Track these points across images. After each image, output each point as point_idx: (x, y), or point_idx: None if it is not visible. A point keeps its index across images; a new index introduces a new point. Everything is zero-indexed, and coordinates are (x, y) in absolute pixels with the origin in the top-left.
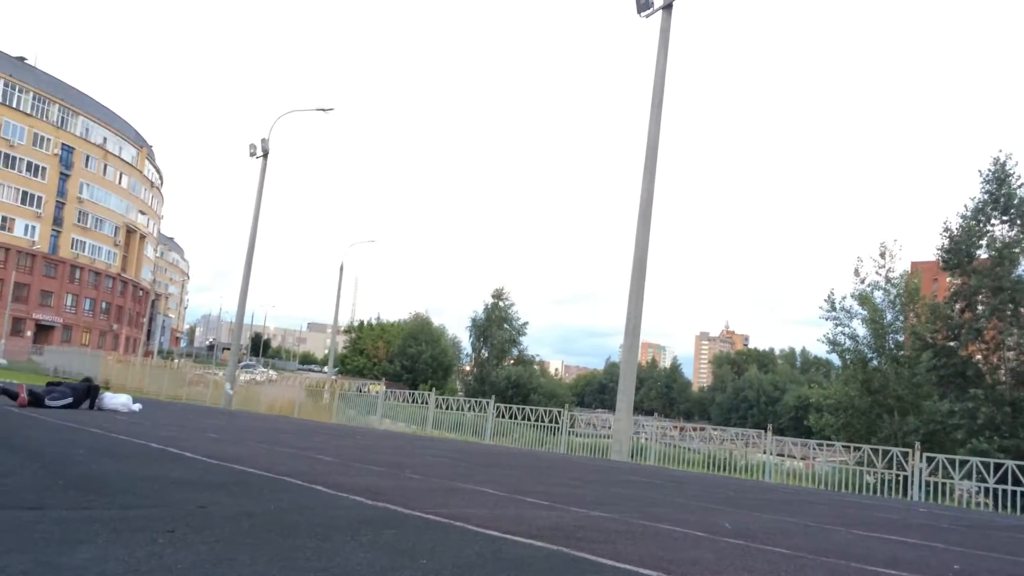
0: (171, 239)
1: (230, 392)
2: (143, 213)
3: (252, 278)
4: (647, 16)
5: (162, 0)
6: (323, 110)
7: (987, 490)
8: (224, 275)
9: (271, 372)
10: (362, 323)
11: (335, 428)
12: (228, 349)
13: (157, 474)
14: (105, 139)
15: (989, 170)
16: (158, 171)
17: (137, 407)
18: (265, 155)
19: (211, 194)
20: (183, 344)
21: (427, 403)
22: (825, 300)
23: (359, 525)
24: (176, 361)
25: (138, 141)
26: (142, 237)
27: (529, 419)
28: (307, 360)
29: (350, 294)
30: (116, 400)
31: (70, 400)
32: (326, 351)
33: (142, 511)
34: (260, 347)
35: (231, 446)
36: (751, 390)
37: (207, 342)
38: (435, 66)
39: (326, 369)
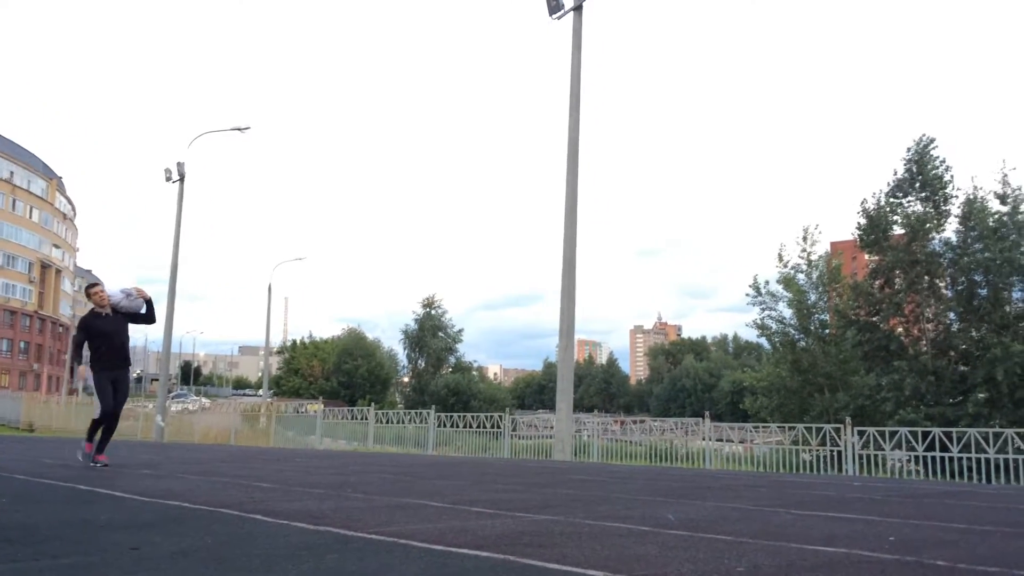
0: (89, 271)
1: (162, 424)
2: (57, 247)
3: (177, 305)
4: (559, 18)
5: (60, 28)
6: (239, 129)
7: (917, 458)
8: None
9: (204, 400)
10: (295, 342)
11: (274, 452)
12: (157, 380)
13: (87, 517)
14: (12, 173)
15: (912, 149)
16: (70, 202)
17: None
18: (181, 179)
19: (128, 222)
20: None
21: (367, 419)
22: (750, 286)
23: (300, 552)
24: None
25: (47, 173)
26: (58, 271)
27: (471, 426)
28: (241, 384)
29: (280, 314)
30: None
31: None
32: (260, 374)
33: (72, 559)
34: (191, 375)
35: (164, 481)
36: (687, 379)
37: (134, 374)
38: (351, 73)
39: (261, 392)
